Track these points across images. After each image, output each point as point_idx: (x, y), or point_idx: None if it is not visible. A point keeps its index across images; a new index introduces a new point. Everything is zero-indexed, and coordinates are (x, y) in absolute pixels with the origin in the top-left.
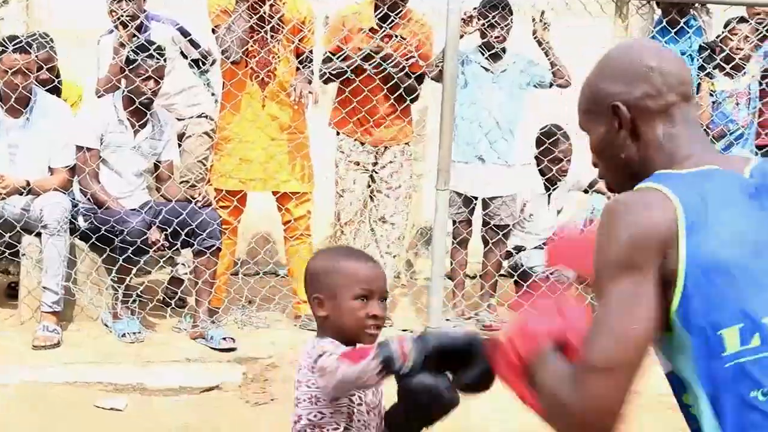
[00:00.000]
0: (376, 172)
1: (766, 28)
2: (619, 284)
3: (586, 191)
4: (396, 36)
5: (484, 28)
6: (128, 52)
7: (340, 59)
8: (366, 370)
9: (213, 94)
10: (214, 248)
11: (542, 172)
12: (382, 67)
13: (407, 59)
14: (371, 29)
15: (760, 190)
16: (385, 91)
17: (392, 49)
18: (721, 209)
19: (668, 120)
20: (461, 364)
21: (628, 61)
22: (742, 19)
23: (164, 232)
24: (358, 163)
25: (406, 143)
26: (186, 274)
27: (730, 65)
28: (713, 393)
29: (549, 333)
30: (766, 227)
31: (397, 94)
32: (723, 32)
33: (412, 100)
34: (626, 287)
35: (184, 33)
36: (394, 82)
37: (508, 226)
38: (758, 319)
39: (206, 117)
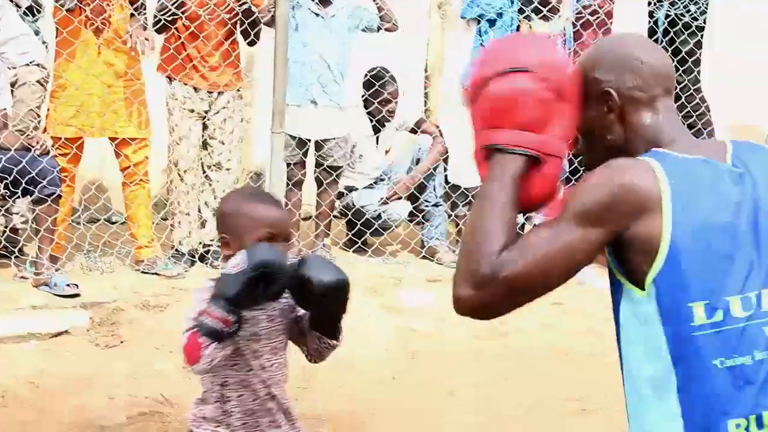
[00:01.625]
0: (209, 119)
1: None
2: (577, 228)
3: (414, 131)
4: None
5: None
6: None
7: (174, 5)
8: (210, 356)
9: (44, 42)
10: (55, 195)
11: (372, 114)
12: (216, 13)
13: (241, 5)
14: None
15: (743, 178)
16: (220, 36)
17: None
18: (706, 193)
19: (652, 109)
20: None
21: (622, 53)
22: None
23: (3, 181)
24: (192, 111)
25: (238, 89)
26: (23, 223)
27: (547, 8)
28: (677, 357)
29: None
30: (738, 212)
31: (232, 39)
32: None
33: (250, 44)
34: (580, 234)
35: None
36: (228, 27)
37: (341, 167)
38: (722, 297)
39: (38, 65)
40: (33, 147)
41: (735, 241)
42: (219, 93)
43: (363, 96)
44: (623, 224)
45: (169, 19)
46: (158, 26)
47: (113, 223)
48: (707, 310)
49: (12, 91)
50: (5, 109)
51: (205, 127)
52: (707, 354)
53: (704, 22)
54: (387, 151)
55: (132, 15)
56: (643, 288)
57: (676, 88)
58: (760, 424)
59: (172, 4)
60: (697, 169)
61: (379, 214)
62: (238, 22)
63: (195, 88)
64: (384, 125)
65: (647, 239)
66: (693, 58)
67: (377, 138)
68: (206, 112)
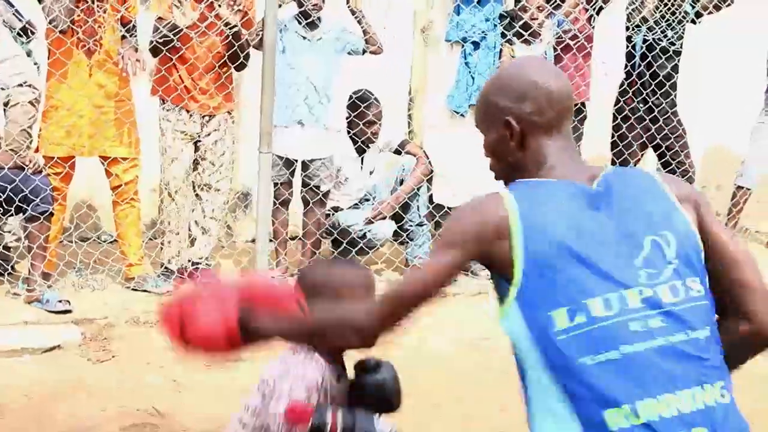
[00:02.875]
0: (200, 141)
1: None
2: (437, 253)
3: (397, 152)
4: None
5: None
6: None
7: (167, 28)
8: None
9: (36, 63)
10: (47, 213)
11: (356, 135)
12: (207, 35)
13: (231, 28)
14: None
15: (598, 197)
16: (211, 59)
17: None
18: (554, 212)
19: (548, 133)
20: None
21: (518, 78)
22: None
23: None
24: (184, 132)
25: (229, 111)
26: (15, 241)
27: (528, 32)
28: (547, 360)
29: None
30: (593, 227)
31: (222, 61)
32: (521, 1)
33: (238, 68)
34: (439, 257)
35: (9, 4)
36: (218, 50)
37: (327, 186)
38: (581, 301)
39: (29, 86)
40: (26, 166)
41: (591, 250)
42: (210, 115)
43: (347, 118)
44: (477, 250)
45: (161, 41)
46: (152, 48)
47: (103, 241)
48: (569, 314)
49: (4, 111)
50: None
51: (196, 148)
52: (574, 354)
53: (681, 47)
54: (371, 172)
55: (123, 37)
56: (507, 302)
57: (653, 111)
58: (635, 414)
59: (164, 26)
60: (550, 190)
61: (365, 234)
62: (228, 45)
63: (187, 111)
64: (368, 147)
65: (502, 261)
66: (670, 82)
67: (362, 159)
68: (198, 134)
